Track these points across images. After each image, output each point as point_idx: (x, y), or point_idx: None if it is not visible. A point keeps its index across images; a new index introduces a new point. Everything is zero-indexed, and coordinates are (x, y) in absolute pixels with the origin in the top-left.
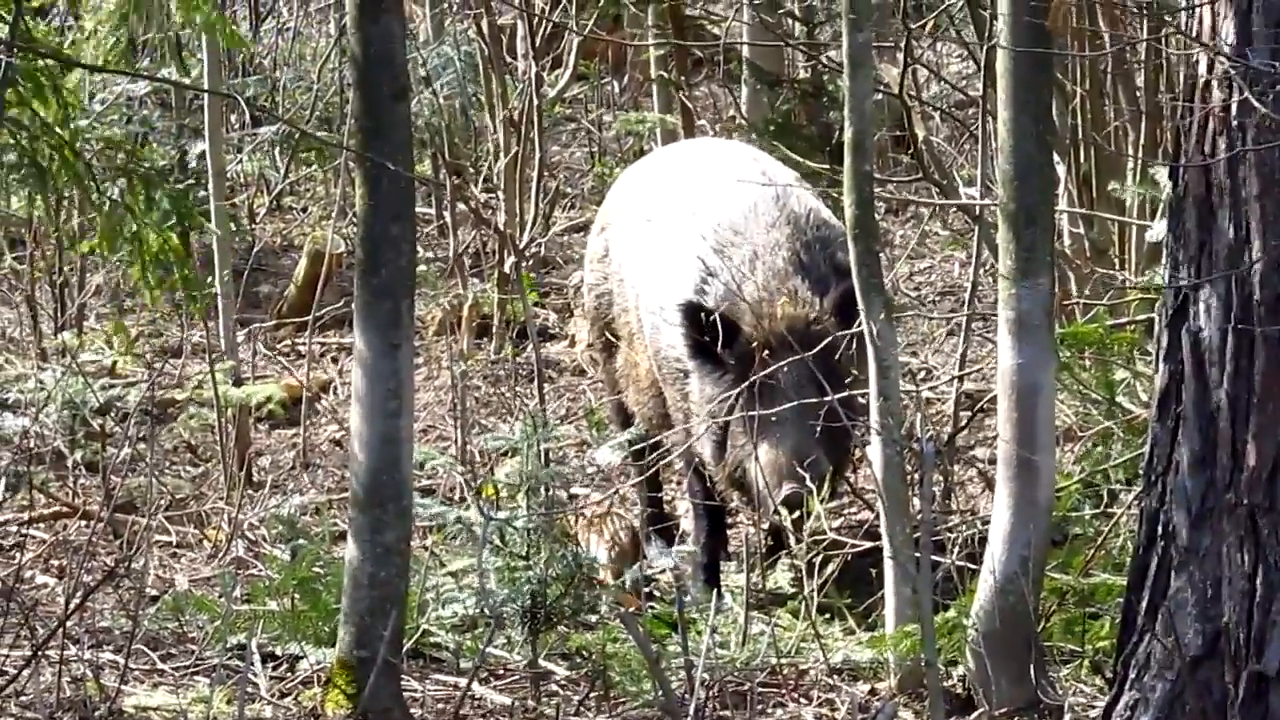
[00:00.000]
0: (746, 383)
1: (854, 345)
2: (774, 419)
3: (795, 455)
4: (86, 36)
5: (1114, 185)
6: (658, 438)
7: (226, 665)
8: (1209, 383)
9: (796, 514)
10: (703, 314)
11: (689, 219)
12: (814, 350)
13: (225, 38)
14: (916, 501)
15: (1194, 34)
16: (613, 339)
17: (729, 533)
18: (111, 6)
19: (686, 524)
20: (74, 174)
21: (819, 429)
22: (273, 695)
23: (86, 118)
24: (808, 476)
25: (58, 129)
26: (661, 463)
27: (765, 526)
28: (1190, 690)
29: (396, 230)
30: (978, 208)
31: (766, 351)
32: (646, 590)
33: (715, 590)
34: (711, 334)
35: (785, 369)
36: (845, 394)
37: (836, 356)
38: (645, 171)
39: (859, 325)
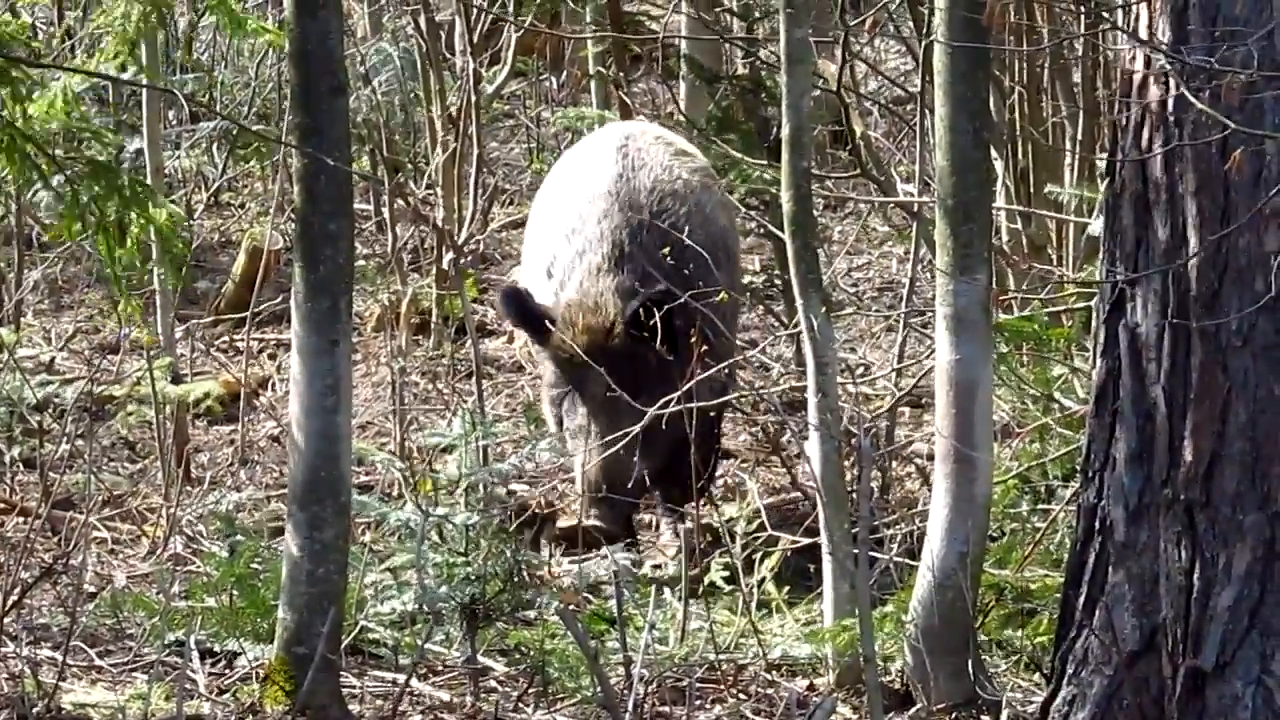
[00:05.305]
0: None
1: (657, 359)
2: (592, 428)
3: (605, 472)
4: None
5: (1053, 188)
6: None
7: (165, 662)
8: (1146, 378)
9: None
10: (524, 301)
11: (559, 210)
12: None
13: None
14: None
15: (1131, 30)
16: None
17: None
18: None
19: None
20: (22, 161)
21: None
22: (211, 692)
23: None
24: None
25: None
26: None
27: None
28: (1128, 685)
29: (334, 227)
30: (916, 204)
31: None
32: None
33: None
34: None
35: (593, 380)
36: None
37: (647, 366)
38: (558, 165)
39: (659, 336)
